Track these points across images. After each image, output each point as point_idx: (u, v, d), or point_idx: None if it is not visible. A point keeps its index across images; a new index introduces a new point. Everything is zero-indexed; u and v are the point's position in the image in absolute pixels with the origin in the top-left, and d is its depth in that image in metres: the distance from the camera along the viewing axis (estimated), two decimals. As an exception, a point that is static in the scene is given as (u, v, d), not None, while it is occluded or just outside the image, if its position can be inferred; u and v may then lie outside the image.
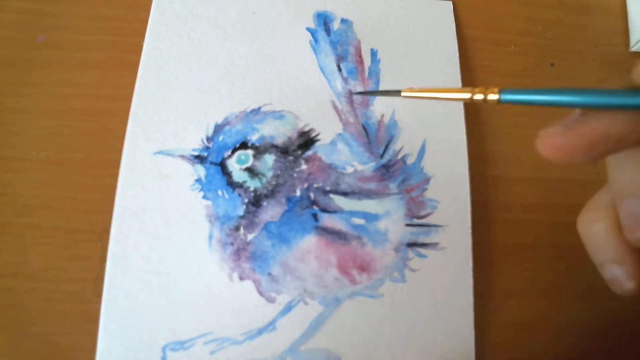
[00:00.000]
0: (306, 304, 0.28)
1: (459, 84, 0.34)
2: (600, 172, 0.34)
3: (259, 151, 0.30)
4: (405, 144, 0.32)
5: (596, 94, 0.16)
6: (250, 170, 0.30)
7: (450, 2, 0.36)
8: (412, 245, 0.30)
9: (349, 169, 0.31)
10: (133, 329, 0.26)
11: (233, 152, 0.30)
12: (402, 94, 0.21)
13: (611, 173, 0.18)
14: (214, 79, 0.32)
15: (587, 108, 0.17)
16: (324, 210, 0.29)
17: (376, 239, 0.29)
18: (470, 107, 0.34)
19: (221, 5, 0.34)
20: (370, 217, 0.30)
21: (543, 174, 0.34)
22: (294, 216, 0.29)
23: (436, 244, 0.30)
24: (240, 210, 0.29)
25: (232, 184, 0.29)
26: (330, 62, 0.33)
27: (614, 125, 0.16)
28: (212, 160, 0.30)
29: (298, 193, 0.30)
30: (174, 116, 0.31)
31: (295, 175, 0.30)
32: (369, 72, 0.33)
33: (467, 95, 0.19)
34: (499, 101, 0.18)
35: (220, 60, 0.32)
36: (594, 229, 0.18)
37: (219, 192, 0.29)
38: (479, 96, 0.18)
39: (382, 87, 0.33)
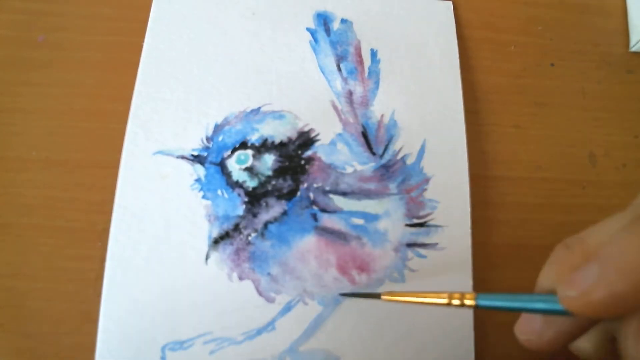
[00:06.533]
0: (305, 304, 0.28)
1: (459, 84, 0.33)
2: (600, 172, 0.34)
3: (258, 151, 0.30)
4: (405, 144, 0.32)
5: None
6: (250, 170, 0.30)
7: (450, 2, 0.36)
8: (411, 245, 0.29)
9: (349, 169, 0.31)
10: (132, 328, 0.26)
11: (233, 152, 0.30)
12: (382, 297, 0.23)
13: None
14: (214, 79, 0.32)
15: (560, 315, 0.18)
16: (324, 211, 0.29)
17: (376, 239, 0.29)
18: (470, 108, 0.34)
19: (221, 5, 0.34)
20: (370, 217, 0.30)
21: (543, 174, 0.34)
22: (294, 216, 0.29)
23: (436, 244, 0.30)
24: (240, 210, 0.29)
25: (231, 184, 0.29)
26: (330, 62, 0.33)
27: (576, 328, 0.18)
28: (212, 160, 0.30)
29: (298, 193, 0.30)
30: (173, 116, 0.31)
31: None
32: (369, 72, 0.33)
33: (444, 301, 0.19)
34: (476, 306, 0.19)
35: (220, 60, 0.32)
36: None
37: (219, 192, 0.29)
38: (455, 301, 0.19)
39: (382, 87, 0.33)
